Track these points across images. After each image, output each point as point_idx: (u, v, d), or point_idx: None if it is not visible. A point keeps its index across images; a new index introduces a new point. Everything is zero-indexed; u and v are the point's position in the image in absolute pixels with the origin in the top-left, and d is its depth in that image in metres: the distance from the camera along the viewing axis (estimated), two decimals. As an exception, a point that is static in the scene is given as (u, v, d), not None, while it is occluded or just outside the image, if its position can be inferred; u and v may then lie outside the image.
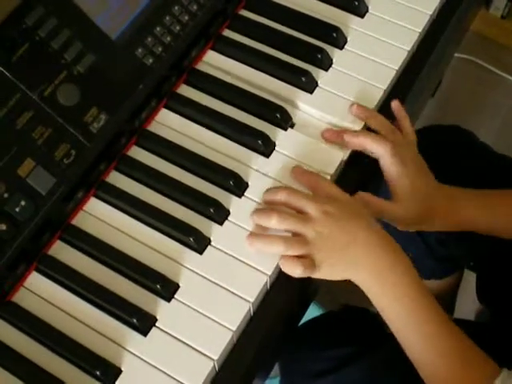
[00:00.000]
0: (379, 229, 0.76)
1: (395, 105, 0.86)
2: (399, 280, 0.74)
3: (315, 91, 0.87)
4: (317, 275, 0.74)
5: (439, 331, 0.74)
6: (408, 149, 0.83)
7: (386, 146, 0.80)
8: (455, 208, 0.86)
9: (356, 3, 0.92)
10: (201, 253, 0.76)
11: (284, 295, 0.75)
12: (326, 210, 0.74)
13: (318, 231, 0.73)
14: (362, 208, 0.77)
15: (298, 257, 0.73)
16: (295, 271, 0.73)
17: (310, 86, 0.87)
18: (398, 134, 0.84)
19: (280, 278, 0.75)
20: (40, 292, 0.74)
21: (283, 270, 0.74)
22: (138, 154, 0.82)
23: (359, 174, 0.83)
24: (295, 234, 0.74)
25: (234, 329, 0.71)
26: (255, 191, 0.79)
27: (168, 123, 0.85)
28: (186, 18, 0.85)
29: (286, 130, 0.84)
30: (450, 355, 0.74)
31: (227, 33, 0.92)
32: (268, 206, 0.77)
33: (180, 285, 0.74)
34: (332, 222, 0.74)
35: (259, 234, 0.75)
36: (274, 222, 0.74)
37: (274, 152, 0.82)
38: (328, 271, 0.74)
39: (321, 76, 0.88)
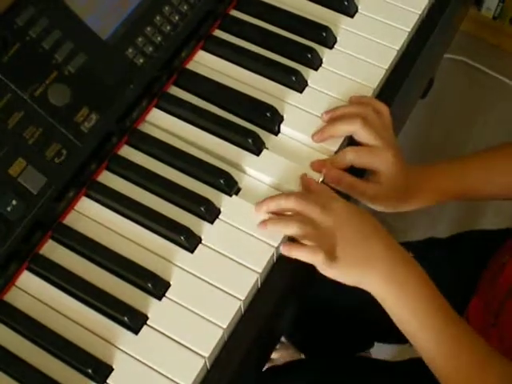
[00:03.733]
0: (388, 233, 0.76)
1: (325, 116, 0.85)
2: (417, 284, 0.73)
3: (305, 90, 0.87)
4: (331, 272, 0.72)
5: (459, 334, 0.73)
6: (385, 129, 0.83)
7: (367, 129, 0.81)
8: (430, 183, 0.86)
9: (346, 3, 0.93)
10: (192, 251, 0.76)
11: (275, 294, 0.75)
12: (347, 203, 0.75)
13: (337, 220, 0.73)
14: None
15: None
16: (316, 257, 0.71)
17: (300, 85, 0.87)
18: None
19: (271, 277, 0.76)
20: (32, 291, 0.74)
21: (301, 257, 0.73)
22: (129, 153, 0.83)
23: (350, 171, 0.84)
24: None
25: (225, 326, 0.71)
26: (246, 190, 0.80)
27: (159, 123, 0.85)
28: (177, 18, 0.85)
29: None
30: (467, 359, 0.73)
31: (218, 33, 0.92)
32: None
33: (171, 283, 0.74)
34: (353, 214, 0.74)
35: (271, 217, 0.75)
36: (292, 201, 0.74)
37: (265, 150, 0.83)
38: (342, 269, 0.73)
39: (311, 75, 0.89)
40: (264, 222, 0.76)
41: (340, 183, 0.81)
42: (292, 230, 0.74)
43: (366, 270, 0.73)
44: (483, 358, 0.73)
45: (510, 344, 0.84)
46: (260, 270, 0.74)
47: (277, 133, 0.85)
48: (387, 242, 0.74)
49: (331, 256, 0.72)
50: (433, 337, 0.73)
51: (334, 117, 0.83)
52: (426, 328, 0.73)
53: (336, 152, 0.83)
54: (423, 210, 0.88)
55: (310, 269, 0.74)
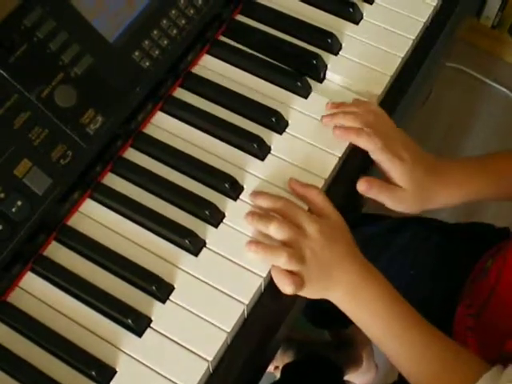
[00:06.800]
0: (358, 250, 0.78)
1: (325, 120, 0.85)
2: (376, 295, 0.76)
3: (310, 96, 0.88)
4: (300, 293, 0.75)
5: (420, 338, 0.75)
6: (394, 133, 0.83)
7: (376, 143, 0.81)
8: (458, 182, 0.86)
9: (351, 10, 0.93)
10: (196, 255, 0.76)
11: (278, 297, 0.75)
12: (321, 229, 0.75)
13: (312, 249, 0.74)
14: (347, 229, 0.78)
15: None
16: (286, 289, 0.73)
17: (304, 90, 0.88)
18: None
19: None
20: (35, 292, 0.74)
21: (277, 283, 0.74)
22: (133, 155, 0.83)
23: (353, 177, 0.84)
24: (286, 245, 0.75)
25: (229, 330, 0.71)
26: (250, 194, 0.80)
27: (164, 126, 0.85)
28: (183, 21, 0.85)
29: (281, 134, 0.85)
30: (434, 361, 0.74)
31: (223, 37, 0.93)
32: (261, 211, 0.78)
33: (175, 286, 0.74)
34: (324, 241, 0.75)
35: (261, 242, 0.75)
36: (272, 229, 0.75)
37: (269, 155, 0.83)
38: (310, 290, 0.75)
39: (316, 81, 0.89)
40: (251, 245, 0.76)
41: (368, 192, 0.81)
42: (279, 260, 0.74)
43: (328, 292, 0.76)
44: (451, 362, 0.75)
45: (490, 346, 0.84)
46: (264, 275, 0.75)
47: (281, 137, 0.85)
48: (348, 269, 0.76)
49: (299, 282, 0.74)
50: (395, 343, 0.76)
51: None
52: (388, 335, 0.76)
53: (340, 157, 0.83)
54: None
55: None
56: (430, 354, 0.75)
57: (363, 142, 0.81)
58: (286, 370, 1.36)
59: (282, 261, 0.73)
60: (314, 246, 0.74)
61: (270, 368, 1.53)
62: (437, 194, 0.85)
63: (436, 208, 0.86)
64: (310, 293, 0.76)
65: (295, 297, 0.78)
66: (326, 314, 1.36)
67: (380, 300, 0.76)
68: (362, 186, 0.81)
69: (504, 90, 2.00)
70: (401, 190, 0.82)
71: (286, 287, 0.73)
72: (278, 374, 1.50)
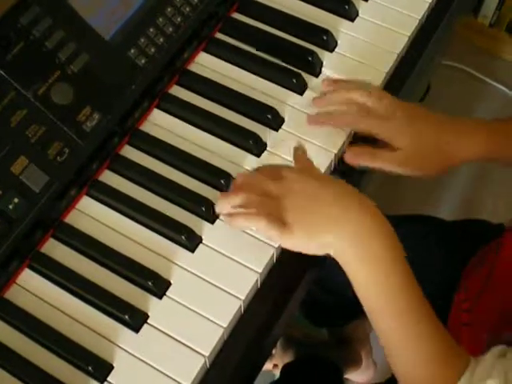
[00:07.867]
0: (363, 196, 0.71)
1: (324, 84, 0.86)
2: (379, 250, 0.69)
3: (305, 93, 0.88)
4: (291, 241, 0.70)
5: (419, 316, 0.70)
6: (385, 104, 0.82)
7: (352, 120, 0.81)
8: (466, 141, 0.83)
9: (346, 7, 0.94)
10: (192, 251, 0.76)
11: (275, 293, 0.76)
12: (302, 168, 0.73)
13: (287, 187, 0.71)
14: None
15: None
16: (259, 223, 0.69)
17: (300, 87, 0.88)
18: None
19: (271, 276, 0.76)
20: (32, 289, 0.75)
21: (242, 224, 0.72)
22: (130, 153, 0.83)
23: (349, 172, 0.84)
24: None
25: (225, 326, 0.72)
26: (246, 191, 0.80)
27: (160, 123, 0.85)
28: (179, 19, 0.86)
29: (277, 130, 0.85)
30: (428, 348, 0.70)
31: (219, 35, 0.93)
32: None
33: (172, 282, 0.75)
34: (307, 179, 0.71)
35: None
36: (238, 180, 0.75)
37: (265, 152, 0.83)
38: (301, 235, 0.69)
39: (311, 78, 0.89)
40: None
41: (362, 155, 0.80)
42: (237, 200, 0.72)
43: (323, 234, 0.69)
44: (446, 352, 0.70)
45: (480, 340, 0.84)
46: (260, 270, 0.75)
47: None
48: (346, 204, 0.69)
49: (279, 223, 0.69)
50: (394, 317, 0.70)
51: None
52: (386, 310, 0.70)
53: (336, 154, 0.83)
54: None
55: (307, 269, 0.76)
56: (426, 340, 0.69)
57: (339, 123, 0.82)
58: (285, 369, 1.36)
59: (237, 201, 0.72)
60: (289, 183, 0.71)
61: (269, 366, 1.54)
62: (450, 146, 0.82)
63: (456, 164, 0.82)
64: (302, 239, 0.69)
65: (293, 291, 0.79)
66: (324, 312, 1.37)
67: (385, 251, 0.69)
68: (348, 156, 0.81)
69: (502, 87, 2.00)
70: (398, 150, 0.80)
71: (260, 222, 0.69)
72: (277, 373, 1.51)
